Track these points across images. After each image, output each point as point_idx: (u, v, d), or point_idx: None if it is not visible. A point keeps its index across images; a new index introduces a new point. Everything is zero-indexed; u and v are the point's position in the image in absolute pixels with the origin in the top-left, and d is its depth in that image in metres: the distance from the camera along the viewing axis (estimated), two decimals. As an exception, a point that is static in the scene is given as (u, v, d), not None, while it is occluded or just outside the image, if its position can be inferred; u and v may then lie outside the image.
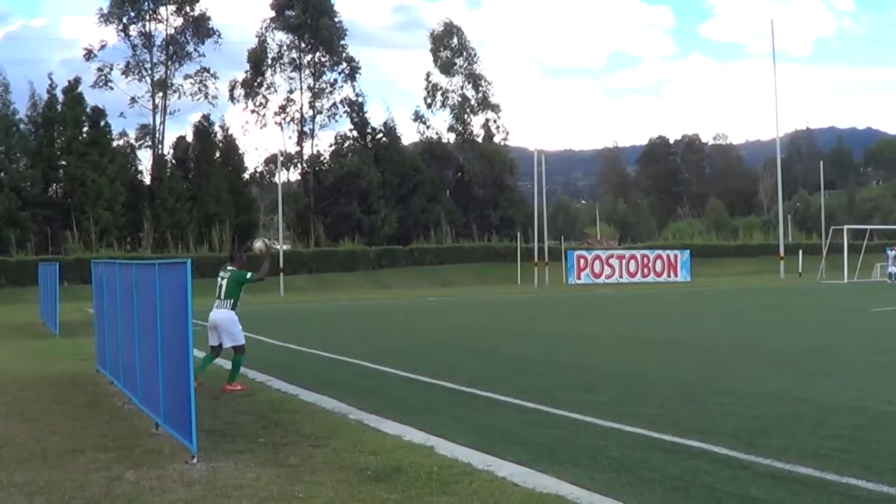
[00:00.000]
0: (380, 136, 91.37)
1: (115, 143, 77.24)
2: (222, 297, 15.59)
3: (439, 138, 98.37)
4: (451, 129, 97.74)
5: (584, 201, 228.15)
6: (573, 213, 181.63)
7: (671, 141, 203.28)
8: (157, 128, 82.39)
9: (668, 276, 67.30)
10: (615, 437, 10.46)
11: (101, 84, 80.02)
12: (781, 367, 16.89)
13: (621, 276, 65.46)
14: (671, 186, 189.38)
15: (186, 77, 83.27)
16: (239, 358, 15.51)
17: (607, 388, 14.36)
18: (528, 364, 18.25)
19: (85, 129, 73.03)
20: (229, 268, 16.00)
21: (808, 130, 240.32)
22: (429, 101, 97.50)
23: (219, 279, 15.81)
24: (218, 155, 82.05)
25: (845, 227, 66.38)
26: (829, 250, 67.22)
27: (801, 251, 75.24)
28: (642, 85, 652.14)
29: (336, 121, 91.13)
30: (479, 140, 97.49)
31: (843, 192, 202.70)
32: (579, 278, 63.81)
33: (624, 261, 66.90)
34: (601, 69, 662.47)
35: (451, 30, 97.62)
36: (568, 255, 65.74)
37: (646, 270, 66.80)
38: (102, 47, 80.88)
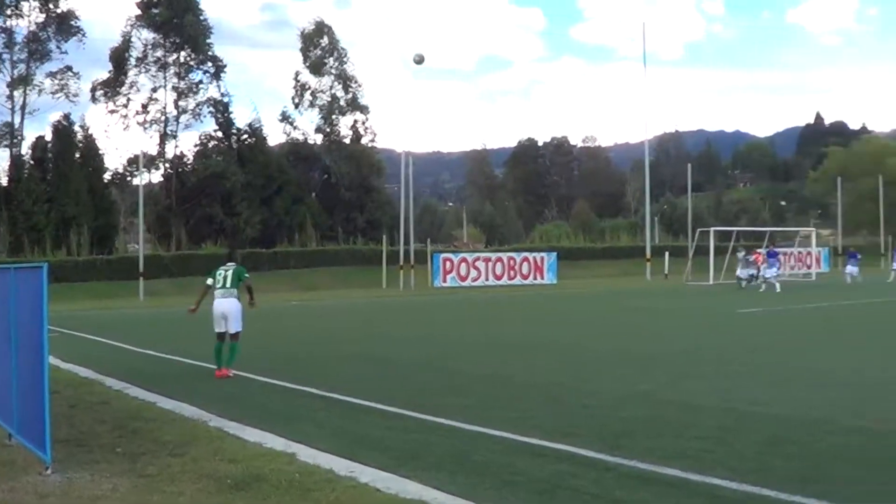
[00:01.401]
0: (245, 136, 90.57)
1: (-30, 143, 75.18)
2: (228, 285, 17.63)
3: (306, 139, 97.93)
4: (318, 130, 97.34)
5: (451, 204, 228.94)
6: (440, 215, 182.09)
7: (540, 143, 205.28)
8: (16, 127, 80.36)
9: (535, 278, 67.77)
10: (480, 441, 10.49)
11: (-45, 81, 77.75)
12: (648, 368, 17.13)
13: (488, 279, 65.68)
14: (539, 188, 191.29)
15: (48, 75, 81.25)
16: (235, 344, 17.46)
17: (473, 392, 14.42)
18: (392, 368, 18.25)
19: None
20: (230, 263, 18.31)
21: (676, 133, 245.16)
22: (297, 101, 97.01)
23: (222, 271, 17.90)
24: (78, 156, 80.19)
25: (712, 228, 67.54)
26: (696, 252, 68.45)
27: (667, 253, 76.45)
28: (512, 87, 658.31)
29: (201, 121, 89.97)
30: (347, 141, 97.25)
31: (710, 194, 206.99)
32: (445, 281, 63.87)
33: (490, 263, 67.14)
34: (472, 71, 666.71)
35: (321, 29, 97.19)
36: (434, 258, 65.71)
37: (512, 273, 67.14)
38: (-41, 42, 78.51)
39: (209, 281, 18.02)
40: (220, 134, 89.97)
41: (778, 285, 49.98)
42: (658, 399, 13.37)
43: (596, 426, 11.24)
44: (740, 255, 53.35)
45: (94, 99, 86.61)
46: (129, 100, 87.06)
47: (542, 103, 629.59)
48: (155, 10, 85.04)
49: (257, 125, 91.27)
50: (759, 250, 56.13)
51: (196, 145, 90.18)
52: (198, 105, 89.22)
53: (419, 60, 45.57)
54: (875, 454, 9.33)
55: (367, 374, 17.37)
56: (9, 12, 78.40)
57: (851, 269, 59.73)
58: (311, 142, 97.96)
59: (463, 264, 65.82)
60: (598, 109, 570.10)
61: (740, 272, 52.99)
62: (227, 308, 17.48)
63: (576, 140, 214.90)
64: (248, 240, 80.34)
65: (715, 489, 8.12)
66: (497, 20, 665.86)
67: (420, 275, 64.78)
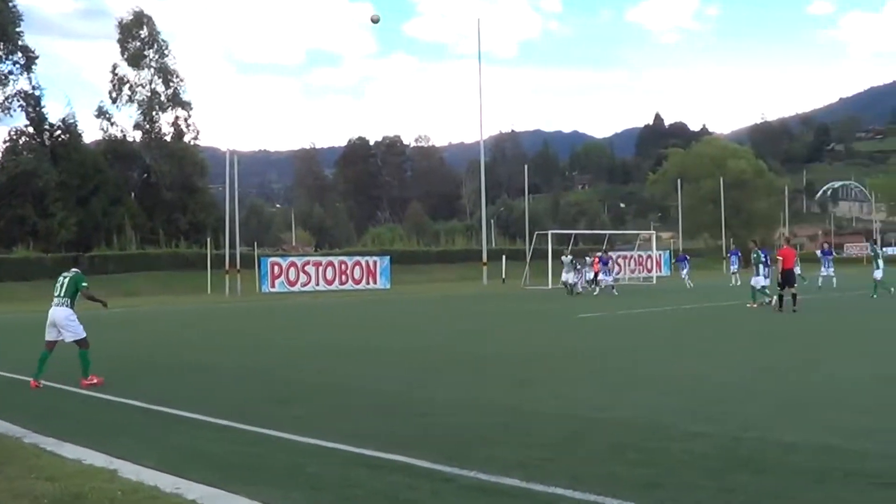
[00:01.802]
0: (58, 132, 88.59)
1: None
2: (62, 294, 17.24)
3: (124, 136, 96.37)
4: (137, 126, 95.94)
5: (279, 205, 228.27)
6: (267, 217, 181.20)
7: (371, 142, 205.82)
8: None
9: (368, 283, 67.96)
10: (314, 454, 10.43)
11: None
12: (486, 375, 17.28)
13: (318, 284, 65.60)
14: (371, 189, 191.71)
15: None
16: (84, 352, 17.07)
17: (305, 402, 14.36)
18: (220, 378, 18.04)
19: None
20: (74, 270, 17.64)
21: (513, 133, 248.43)
22: (114, 95, 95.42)
23: (61, 278, 17.50)
24: None
25: (550, 231, 68.65)
26: (534, 256, 69.37)
27: (504, 257, 77.41)
28: (342, 84, 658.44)
29: (10, 115, 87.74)
30: (168, 139, 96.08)
31: (548, 196, 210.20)
32: (273, 286, 63.56)
33: (321, 268, 67.06)
34: (299, 66, 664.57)
35: (140, 19, 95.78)
36: (261, 262, 65.33)
37: (344, 278, 67.17)
38: None
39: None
40: (31, 129, 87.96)
41: (615, 289, 51.10)
42: (497, 406, 13.46)
43: (433, 435, 11.28)
44: (566, 258, 53.20)
45: None
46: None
47: (373, 101, 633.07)
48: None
49: (72, 121, 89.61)
50: (598, 254, 57.10)
51: (5, 141, 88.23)
52: (7, 98, 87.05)
53: (376, 20, 45.25)
54: (718, 459, 9.54)
55: (192, 384, 17.17)
56: None
57: (684, 272, 61.43)
58: (129, 139, 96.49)
59: (292, 269, 65.70)
60: (431, 108, 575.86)
61: (566, 277, 52.54)
62: (57, 317, 17.17)
63: (409, 139, 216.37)
64: (62, 243, 78.56)
65: (558, 499, 8.18)
66: (325, 13, 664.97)
67: (247, 280, 64.38)
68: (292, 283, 64.61)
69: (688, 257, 66.81)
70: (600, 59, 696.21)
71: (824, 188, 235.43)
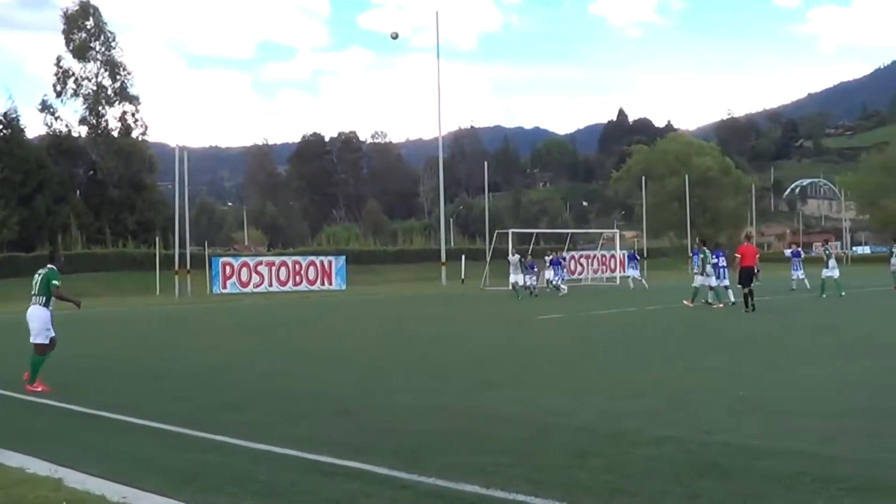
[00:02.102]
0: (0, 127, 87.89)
1: None
2: (37, 292, 17.16)
3: (69, 131, 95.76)
4: (83, 121, 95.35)
5: (230, 203, 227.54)
6: (219, 216, 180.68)
7: (327, 138, 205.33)
8: None
9: (323, 284, 67.80)
10: (266, 461, 10.41)
11: None
12: (445, 378, 17.29)
13: (271, 285, 65.44)
14: (326, 187, 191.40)
15: None
16: (38, 358, 17.07)
17: (258, 407, 14.31)
18: (169, 383, 17.97)
19: None
20: (49, 266, 17.41)
21: (472, 129, 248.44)
22: (59, 88, 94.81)
23: (36, 275, 17.36)
24: None
25: (510, 230, 68.53)
26: (494, 255, 69.47)
27: (463, 256, 77.39)
28: (296, 78, 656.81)
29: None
30: (115, 134, 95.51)
31: (508, 194, 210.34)
32: (225, 287, 63.36)
33: (274, 268, 66.87)
34: (249, 59, 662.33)
35: (86, 9, 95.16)
36: (213, 263, 65.12)
37: (298, 278, 67.00)
38: None
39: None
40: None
41: (565, 288, 51.31)
42: (456, 411, 13.48)
43: (390, 441, 11.26)
44: (512, 259, 51.83)
45: None
46: None
47: (328, 96, 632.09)
48: None
49: (13, 115, 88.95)
50: (562, 254, 57.17)
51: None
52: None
53: (395, 36, 44.88)
54: (684, 465, 9.56)
55: (140, 389, 17.08)
56: None
57: (632, 272, 61.35)
58: (75, 134, 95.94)
59: (244, 269, 65.49)
60: (388, 103, 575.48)
61: (514, 278, 50.71)
62: (30, 316, 17.28)
63: (365, 136, 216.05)
64: (4, 243, 77.96)
65: (519, 505, 8.24)
66: (276, 3, 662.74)
67: (198, 281, 64.15)
68: (244, 284, 64.39)
69: (637, 256, 66.90)
70: (562, 54, 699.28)
71: (792, 186, 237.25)
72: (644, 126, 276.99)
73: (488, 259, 69.68)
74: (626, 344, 24.37)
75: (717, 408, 13.14)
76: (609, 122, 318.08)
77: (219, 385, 17.45)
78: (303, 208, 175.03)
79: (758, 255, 35.78)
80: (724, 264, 38.99)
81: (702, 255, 38.34)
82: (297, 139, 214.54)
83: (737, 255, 34.88)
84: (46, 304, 17.16)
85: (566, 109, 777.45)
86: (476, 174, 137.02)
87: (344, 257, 72.18)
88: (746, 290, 33.37)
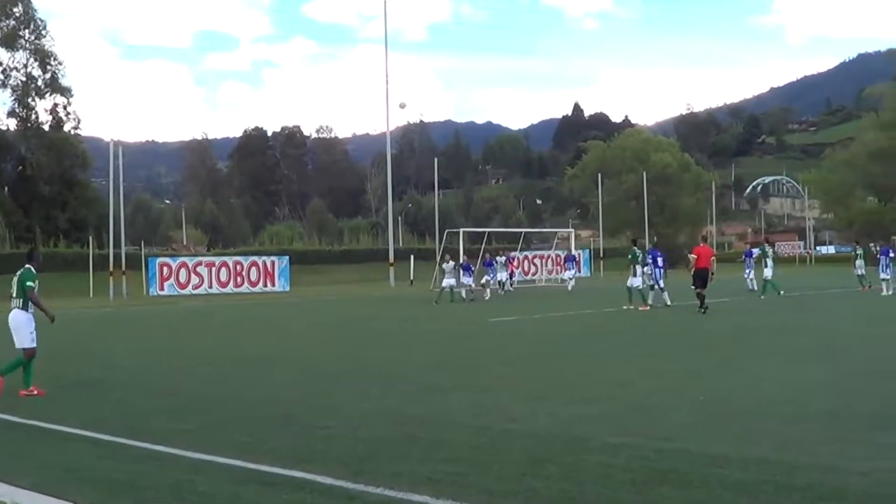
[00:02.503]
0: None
1: None
2: (14, 294, 17.14)
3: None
4: (11, 114, 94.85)
5: (168, 201, 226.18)
6: (156, 214, 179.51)
7: (269, 133, 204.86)
8: None
9: (265, 285, 67.63)
10: (205, 470, 10.34)
11: None
12: (393, 383, 17.21)
13: (211, 287, 65.20)
14: (269, 184, 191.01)
15: None
16: (16, 360, 17.18)
17: (196, 414, 14.24)
18: (103, 389, 17.85)
19: None
20: (26, 266, 17.45)
21: (422, 124, 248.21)
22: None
23: (15, 276, 17.29)
24: None
25: (461, 230, 68.45)
26: (444, 256, 69.48)
27: (412, 256, 77.42)
28: (236, 69, 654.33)
29: None
30: (46, 128, 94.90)
31: (459, 191, 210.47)
32: (163, 289, 63.10)
33: (214, 269, 66.63)
34: (188, 50, 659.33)
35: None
36: (149, 263, 64.80)
37: (239, 280, 66.80)
38: None
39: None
40: None
41: (488, 292, 51.40)
42: (405, 417, 13.46)
43: (336, 449, 11.23)
44: (447, 266, 50.59)
45: None
46: None
47: (271, 89, 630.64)
48: None
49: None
50: (514, 254, 57.23)
51: None
52: None
53: (403, 106, 44.78)
54: (640, 472, 9.57)
55: (73, 397, 16.97)
56: None
57: (569, 273, 61.35)
58: (3, 127, 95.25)
59: (183, 270, 65.23)
60: (334, 97, 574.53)
61: (447, 283, 49.53)
62: (10, 319, 17.25)
63: (309, 130, 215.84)
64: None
65: (471, 515, 8.22)
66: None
67: (134, 282, 63.81)
68: (183, 286, 64.12)
69: (576, 257, 67.08)
70: (516, 46, 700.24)
71: (754, 183, 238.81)
72: (600, 121, 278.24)
73: (438, 259, 69.55)
74: (581, 346, 24.45)
75: (676, 412, 13.21)
76: (564, 117, 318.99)
77: (156, 391, 17.34)
78: (244, 206, 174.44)
79: (714, 258, 35.93)
80: (662, 265, 39.28)
81: (629, 256, 38.45)
82: (239, 134, 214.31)
83: (692, 255, 35.07)
84: (25, 307, 17.07)
85: (520, 104, 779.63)
86: (426, 171, 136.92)
87: (287, 258, 72.00)
88: (700, 292, 33.56)
